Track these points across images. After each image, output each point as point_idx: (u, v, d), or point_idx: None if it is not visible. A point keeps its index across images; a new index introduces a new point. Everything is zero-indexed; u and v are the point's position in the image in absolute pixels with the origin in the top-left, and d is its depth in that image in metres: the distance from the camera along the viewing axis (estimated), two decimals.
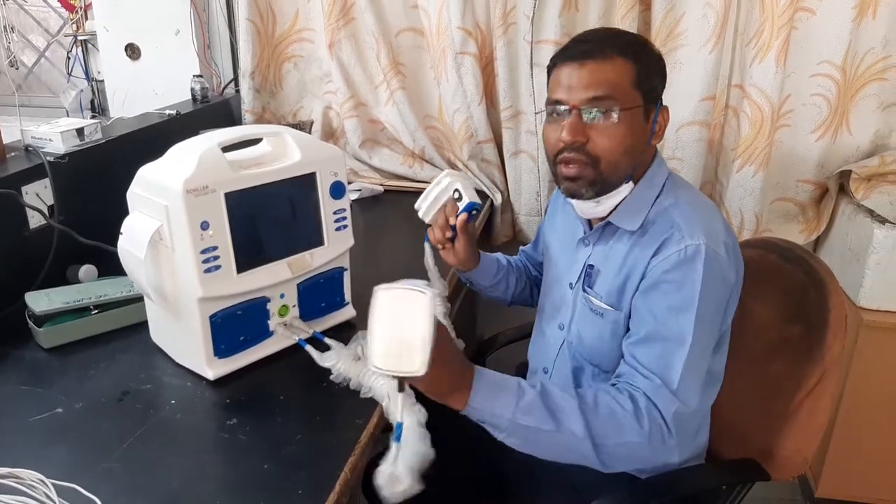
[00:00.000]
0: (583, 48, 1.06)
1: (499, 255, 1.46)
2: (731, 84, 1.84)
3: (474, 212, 1.25)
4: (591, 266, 1.17)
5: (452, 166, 2.07)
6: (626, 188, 1.10)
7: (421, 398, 0.96)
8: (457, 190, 1.26)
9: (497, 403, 0.97)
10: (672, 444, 1.00)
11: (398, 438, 0.91)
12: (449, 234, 1.29)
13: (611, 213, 1.13)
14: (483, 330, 2.21)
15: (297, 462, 0.94)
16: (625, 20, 1.76)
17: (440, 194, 1.29)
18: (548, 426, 0.97)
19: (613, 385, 1.05)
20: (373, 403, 1.05)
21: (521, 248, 1.54)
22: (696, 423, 1.12)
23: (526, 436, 0.98)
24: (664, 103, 1.12)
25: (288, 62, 2.15)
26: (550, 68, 1.11)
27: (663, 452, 1.02)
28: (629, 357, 1.06)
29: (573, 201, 1.14)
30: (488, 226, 2.06)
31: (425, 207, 1.31)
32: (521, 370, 1.42)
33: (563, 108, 1.06)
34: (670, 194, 1.11)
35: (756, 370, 1.24)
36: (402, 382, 0.91)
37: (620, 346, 1.10)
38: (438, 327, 0.88)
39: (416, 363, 0.85)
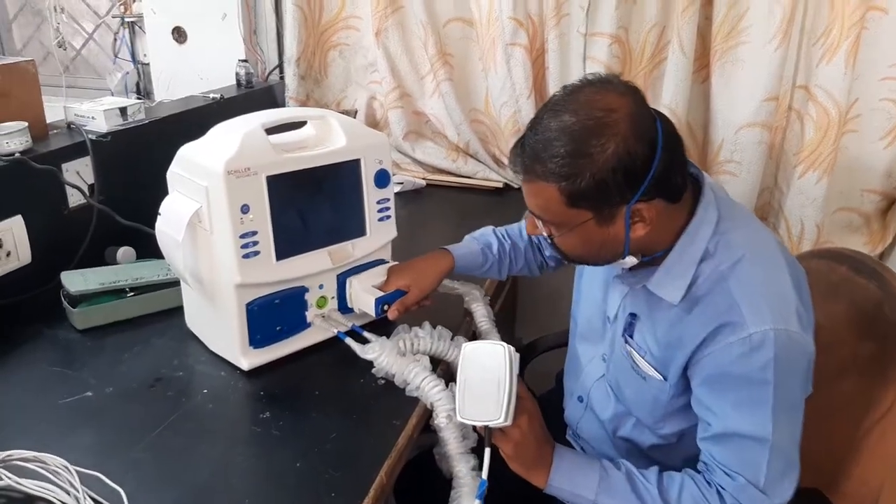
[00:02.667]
0: (517, 157, 0.93)
1: (490, 237, 1.33)
2: (796, 85, 1.74)
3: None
4: (635, 315, 1.05)
5: (497, 161, 2.02)
6: (628, 261, 0.98)
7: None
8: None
9: (578, 482, 0.96)
10: None
11: (481, 497, 0.90)
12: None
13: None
14: (521, 333, 2.15)
15: (331, 462, 0.90)
16: (685, 14, 1.68)
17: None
18: None
19: (699, 472, 0.97)
20: (411, 404, 1.00)
21: None
22: None
23: None
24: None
25: (333, 50, 2.11)
26: None
27: None
28: (707, 455, 0.96)
29: None
30: None
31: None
32: (562, 381, 1.35)
33: None
34: (724, 252, 0.94)
35: (821, 391, 1.15)
36: (490, 436, 0.92)
37: (665, 409, 1.02)
38: (523, 388, 0.94)
39: (496, 411, 0.89)
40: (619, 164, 0.86)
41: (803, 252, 1.42)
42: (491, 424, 0.90)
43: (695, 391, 0.97)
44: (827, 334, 1.18)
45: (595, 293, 1.16)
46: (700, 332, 0.92)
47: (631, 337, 1.05)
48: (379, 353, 1.05)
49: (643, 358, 1.03)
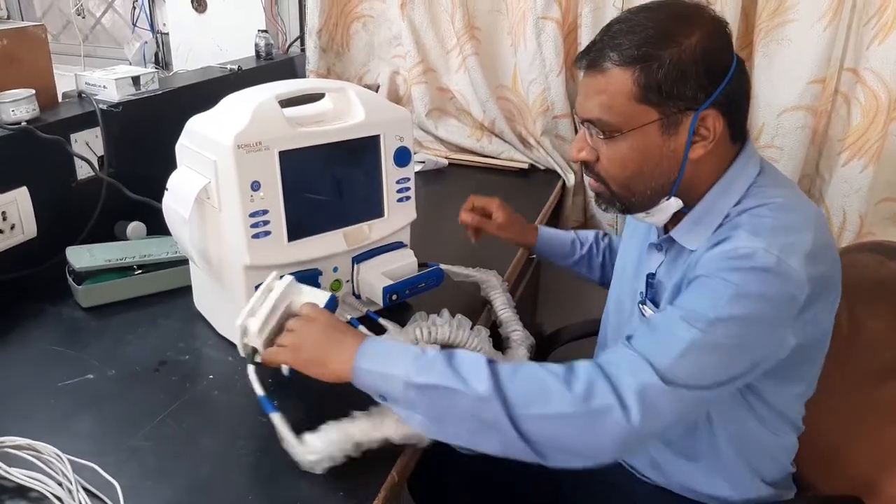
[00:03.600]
0: (585, 55, 0.91)
1: (580, 236, 1.34)
2: (844, 67, 1.64)
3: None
4: (653, 275, 1.00)
5: (523, 141, 1.94)
6: (671, 204, 0.93)
7: None
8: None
9: (392, 362, 0.81)
10: (633, 422, 0.74)
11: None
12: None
13: (675, 220, 0.96)
14: (544, 321, 2.08)
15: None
16: None
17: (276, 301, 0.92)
18: (447, 382, 0.77)
19: None
20: None
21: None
22: (687, 411, 0.81)
23: (428, 404, 0.78)
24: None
25: (357, 22, 2.04)
26: None
27: (604, 429, 0.75)
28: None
29: None
30: (558, 208, 1.92)
31: (256, 325, 0.89)
32: None
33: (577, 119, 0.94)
34: (754, 198, 0.90)
35: (864, 393, 1.09)
36: (253, 353, 0.90)
37: None
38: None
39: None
40: (702, 56, 0.85)
41: (849, 245, 1.34)
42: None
43: None
44: (872, 334, 1.11)
45: (627, 270, 1.10)
46: (698, 255, 0.88)
47: (651, 301, 0.99)
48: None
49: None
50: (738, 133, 0.92)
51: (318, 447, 0.80)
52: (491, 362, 0.80)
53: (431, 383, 0.78)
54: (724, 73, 0.87)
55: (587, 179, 0.97)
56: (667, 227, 0.99)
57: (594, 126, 0.91)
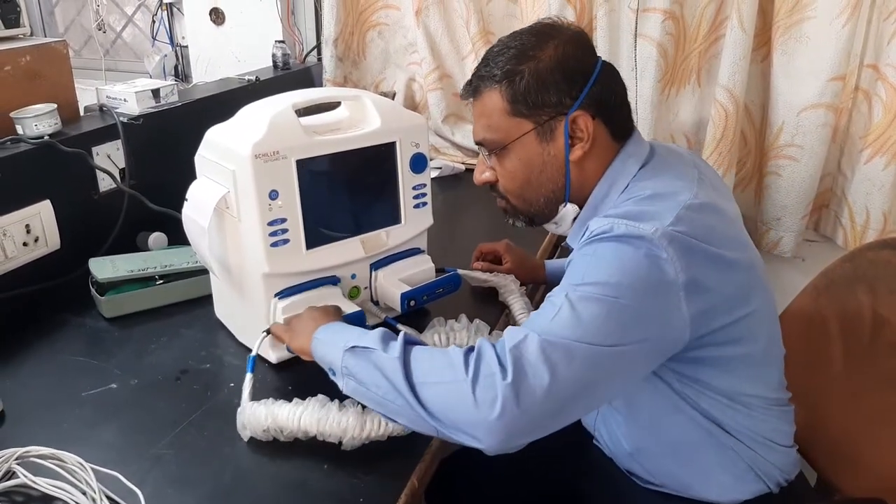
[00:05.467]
0: (466, 85, 0.99)
1: None
2: (864, 63, 1.62)
3: None
4: None
5: None
6: (567, 213, 0.98)
7: None
8: None
9: (339, 337, 0.86)
10: (506, 382, 0.72)
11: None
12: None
13: None
14: None
15: (361, 464, 0.84)
16: None
17: None
18: (370, 344, 0.81)
19: None
20: None
21: None
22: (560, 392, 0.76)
23: (356, 370, 0.82)
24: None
25: (373, 30, 2.05)
26: None
27: (485, 393, 0.73)
28: None
29: None
30: None
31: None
32: None
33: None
34: (626, 195, 0.91)
35: (888, 393, 1.07)
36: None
37: None
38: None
39: None
40: (559, 64, 0.92)
41: (871, 242, 1.32)
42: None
43: None
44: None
45: None
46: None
47: None
48: None
49: None
50: (618, 131, 0.96)
51: (245, 415, 0.87)
52: (412, 341, 0.84)
53: (362, 345, 0.83)
54: (587, 75, 0.92)
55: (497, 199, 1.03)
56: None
57: (484, 147, 0.98)
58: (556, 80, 0.92)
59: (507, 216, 1.04)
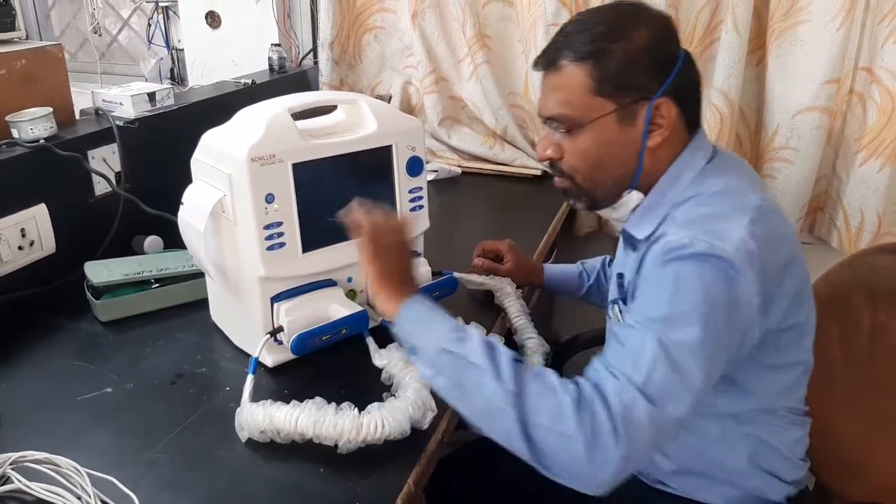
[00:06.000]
0: (541, 55, 0.96)
1: (587, 266, 1.36)
2: (858, 66, 1.62)
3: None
4: (621, 275, 1.03)
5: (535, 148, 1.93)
6: (632, 198, 0.97)
7: None
8: None
9: (432, 324, 0.86)
10: (619, 452, 0.74)
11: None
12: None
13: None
14: (559, 327, 2.08)
15: (357, 468, 0.84)
16: None
17: None
18: (479, 362, 0.80)
19: None
20: (442, 407, 0.94)
21: None
22: (664, 432, 0.79)
23: (454, 373, 0.82)
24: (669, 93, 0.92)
25: (369, 33, 2.05)
26: None
27: (601, 456, 0.75)
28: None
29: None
30: (571, 215, 1.91)
31: None
32: None
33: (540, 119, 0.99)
34: (694, 188, 0.93)
35: (888, 398, 1.07)
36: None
37: None
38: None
39: None
40: (651, 46, 0.90)
41: (871, 247, 1.32)
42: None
43: None
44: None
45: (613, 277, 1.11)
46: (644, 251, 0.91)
47: (621, 300, 1.02)
48: (388, 361, 0.98)
49: (618, 317, 1.01)
50: (692, 122, 0.96)
51: (244, 416, 0.87)
52: (519, 361, 0.82)
53: (464, 355, 0.81)
54: (673, 63, 0.92)
55: (555, 178, 1.00)
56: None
57: (555, 122, 0.95)
58: (646, 63, 0.91)
59: (567, 196, 1.01)
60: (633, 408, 0.75)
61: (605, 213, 1.02)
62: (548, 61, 0.94)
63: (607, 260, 1.37)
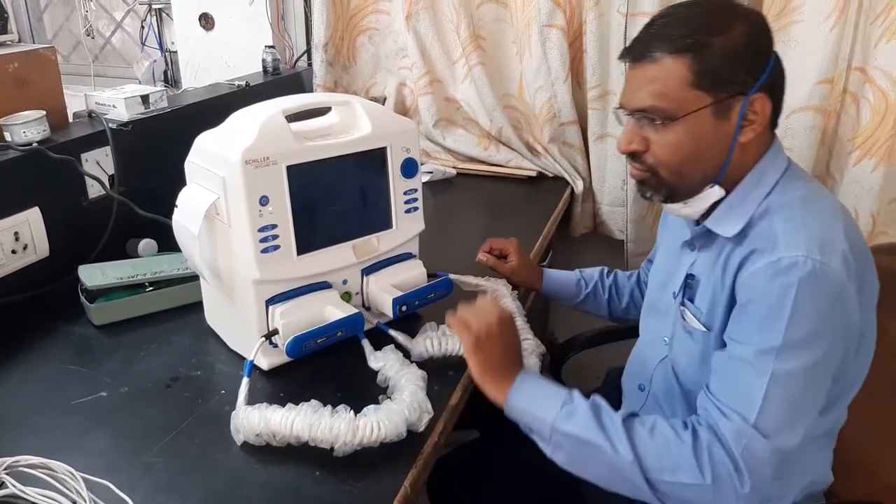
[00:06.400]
0: (633, 47, 0.95)
1: (585, 275, 1.37)
2: (852, 66, 1.63)
3: None
4: (692, 276, 1.02)
5: (531, 149, 1.94)
6: (713, 192, 0.95)
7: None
8: None
9: (540, 404, 0.91)
10: (745, 490, 0.81)
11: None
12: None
13: (707, 215, 0.98)
14: (556, 328, 2.08)
15: (352, 471, 0.84)
16: None
17: None
18: (594, 438, 0.86)
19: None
20: (438, 409, 0.94)
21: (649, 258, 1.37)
22: (782, 462, 0.85)
23: (572, 449, 0.88)
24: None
25: (363, 35, 2.05)
26: None
27: (727, 497, 0.82)
28: (704, 388, 0.91)
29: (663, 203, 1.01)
30: (567, 215, 1.92)
31: None
32: (612, 377, 1.28)
33: (622, 111, 0.97)
34: (782, 192, 0.93)
35: (886, 398, 1.07)
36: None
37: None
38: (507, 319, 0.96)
39: None
40: (749, 42, 0.90)
41: (871, 247, 1.32)
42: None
43: (727, 329, 0.92)
44: (893, 338, 1.09)
45: (662, 273, 1.12)
46: (736, 260, 0.91)
47: (690, 300, 1.01)
48: (383, 364, 0.98)
49: (693, 318, 0.99)
50: (775, 121, 0.96)
51: (239, 418, 0.87)
52: (627, 421, 0.87)
53: (575, 434, 0.87)
54: (768, 59, 0.91)
55: (628, 168, 1.00)
56: (698, 223, 1.02)
57: (647, 114, 0.93)
58: (744, 58, 0.90)
59: (643, 188, 0.99)
60: (752, 446, 0.81)
61: (674, 208, 1.00)
62: (641, 53, 0.93)
63: (605, 271, 1.38)
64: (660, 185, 0.96)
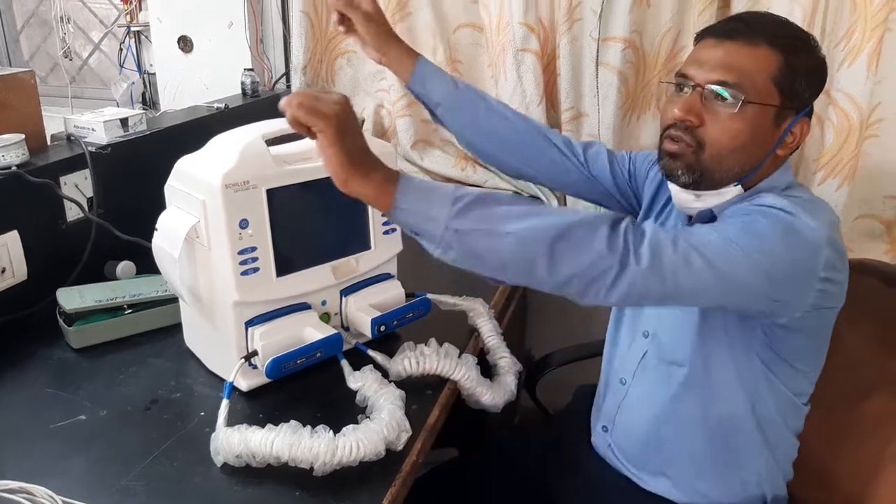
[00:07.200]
0: (731, 26, 0.96)
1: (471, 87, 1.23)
2: None
3: None
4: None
5: None
6: (731, 191, 0.98)
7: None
8: None
9: (429, 203, 0.82)
10: (642, 265, 0.80)
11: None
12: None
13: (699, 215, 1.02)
14: (532, 344, 2.10)
15: (332, 491, 0.85)
16: (701, 17, 1.63)
17: None
18: (495, 225, 0.81)
19: None
20: (417, 428, 0.96)
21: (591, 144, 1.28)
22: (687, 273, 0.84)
23: (465, 245, 0.83)
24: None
25: (341, 57, 2.08)
26: (695, 41, 1.02)
27: (613, 257, 0.80)
28: None
29: (671, 185, 1.03)
30: None
31: None
32: (584, 393, 1.30)
33: (687, 83, 0.97)
34: (789, 194, 0.97)
35: (847, 407, 1.11)
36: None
37: (700, 332, 1.00)
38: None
39: None
40: (820, 69, 0.97)
41: None
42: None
43: None
44: (854, 351, 1.13)
45: None
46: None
47: None
48: (362, 384, 1.00)
49: None
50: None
51: (219, 440, 0.88)
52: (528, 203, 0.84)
53: (471, 228, 0.81)
54: (820, 91, 0.98)
55: (665, 143, 0.99)
56: (689, 219, 1.06)
57: (724, 87, 0.93)
58: (815, 81, 0.97)
59: (677, 162, 0.97)
60: (661, 238, 0.82)
61: (686, 199, 1.02)
62: (740, 32, 0.94)
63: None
64: (696, 164, 0.96)
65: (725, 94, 0.93)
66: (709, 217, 1.01)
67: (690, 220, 1.05)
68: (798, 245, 0.88)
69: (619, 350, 1.19)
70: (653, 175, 1.20)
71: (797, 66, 0.93)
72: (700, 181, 0.97)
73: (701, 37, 1.00)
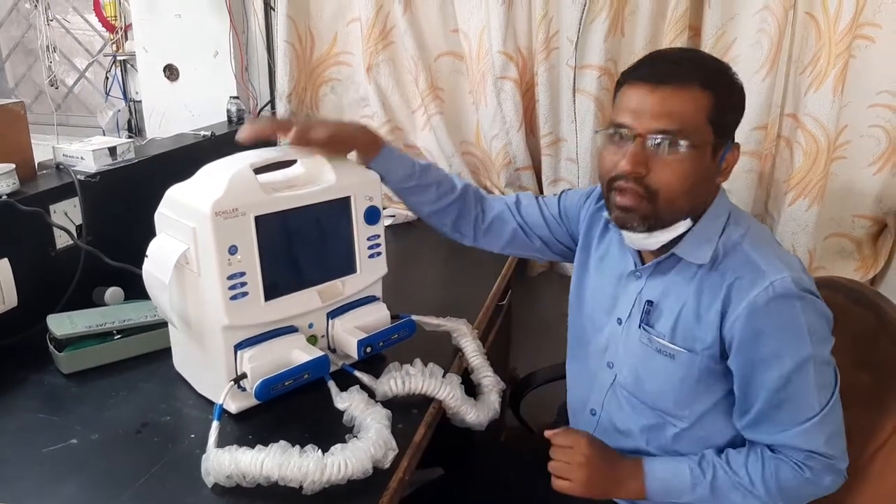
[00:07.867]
0: (660, 70, 0.97)
1: (427, 164, 1.26)
2: (784, 113, 1.75)
3: None
4: (651, 302, 1.08)
5: (489, 192, 2.01)
6: (682, 225, 1.03)
7: None
8: None
9: (676, 490, 1.05)
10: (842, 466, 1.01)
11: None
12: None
13: (671, 244, 1.05)
14: (517, 364, 2.13)
15: None
16: (673, 46, 1.69)
17: None
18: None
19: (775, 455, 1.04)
20: (403, 446, 0.98)
21: (520, 195, 1.32)
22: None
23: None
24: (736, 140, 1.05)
25: (325, 85, 2.12)
26: (620, 84, 1.03)
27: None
28: (764, 436, 1.03)
29: (623, 232, 1.06)
30: (522, 258, 1.98)
31: None
32: (564, 412, 1.34)
33: (626, 132, 0.98)
34: (736, 226, 1.04)
35: None
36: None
37: (693, 388, 1.04)
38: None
39: None
40: (742, 98, 1.02)
41: None
42: None
43: (734, 365, 1.01)
44: None
45: (603, 300, 1.17)
46: (721, 285, 1.00)
47: (650, 325, 1.08)
48: (349, 404, 1.02)
49: (665, 341, 1.06)
50: None
51: (210, 461, 0.90)
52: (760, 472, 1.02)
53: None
54: (742, 113, 1.04)
55: (614, 197, 1.01)
56: (641, 256, 1.11)
57: (667, 137, 0.95)
58: (739, 110, 1.02)
59: (631, 214, 1.00)
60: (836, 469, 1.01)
61: (636, 238, 1.04)
62: (673, 74, 0.96)
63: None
64: (651, 212, 0.99)
65: (668, 141, 0.95)
66: (672, 261, 1.06)
67: (640, 253, 1.11)
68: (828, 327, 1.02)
69: (583, 377, 1.23)
70: (584, 213, 1.25)
71: (725, 102, 0.98)
72: (653, 226, 1.01)
73: (630, 82, 0.99)
